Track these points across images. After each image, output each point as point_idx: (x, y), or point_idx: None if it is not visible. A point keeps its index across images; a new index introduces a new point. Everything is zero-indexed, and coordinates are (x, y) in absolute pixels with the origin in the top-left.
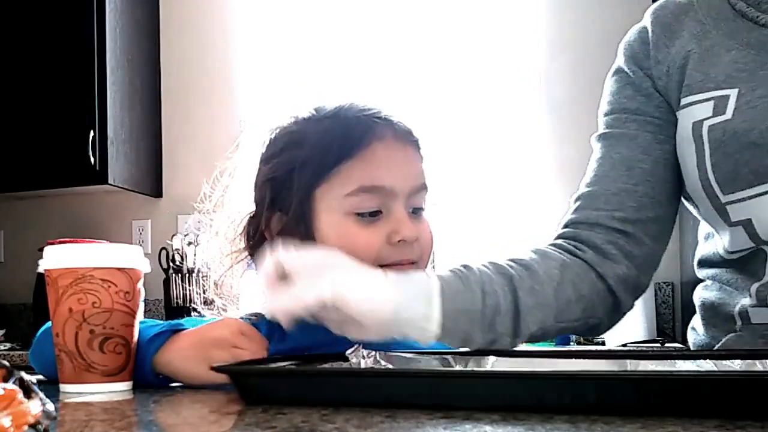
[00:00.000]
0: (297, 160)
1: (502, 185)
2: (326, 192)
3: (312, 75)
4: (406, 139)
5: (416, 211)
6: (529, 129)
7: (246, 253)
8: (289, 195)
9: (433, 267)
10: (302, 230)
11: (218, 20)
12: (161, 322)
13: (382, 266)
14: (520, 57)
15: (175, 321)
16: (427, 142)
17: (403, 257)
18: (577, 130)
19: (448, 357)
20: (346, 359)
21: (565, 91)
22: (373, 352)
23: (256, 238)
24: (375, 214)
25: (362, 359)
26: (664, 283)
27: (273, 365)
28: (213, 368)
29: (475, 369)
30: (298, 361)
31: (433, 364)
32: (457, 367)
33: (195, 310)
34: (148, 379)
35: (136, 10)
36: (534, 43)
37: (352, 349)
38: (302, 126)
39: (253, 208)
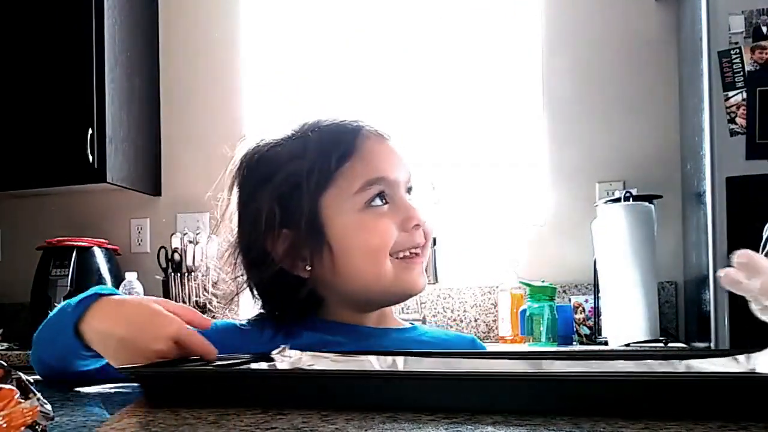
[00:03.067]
0: (301, 172)
1: (502, 184)
2: (335, 196)
3: (313, 73)
4: (385, 136)
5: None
6: (529, 129)
7: (247, 281)
8: (296, 209)
9: (434, 277)
10: (314, 241)
11: (218, 17)
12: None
13: (393, 254)
14: (520, 57)
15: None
16: (400, 142)
17: (416, 241)
18: (577, 130)
19: (372, 358)
20: (271, 360)
21: (565, 91)
22: (299, 353)
23: (260, 264)
24: (384, 203)
25: (287, 359)
26: (668, 282)
27: (179, 367)
28: (119, 369)
29: (385, 371)
30: (226, 362)
31: (359, 364)
32: (377, 368)
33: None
34: (70, 345)
35: (135, 7)
36: (534, 43)
37: (278, 349)
38: (293, 141)
39: (248, 235)
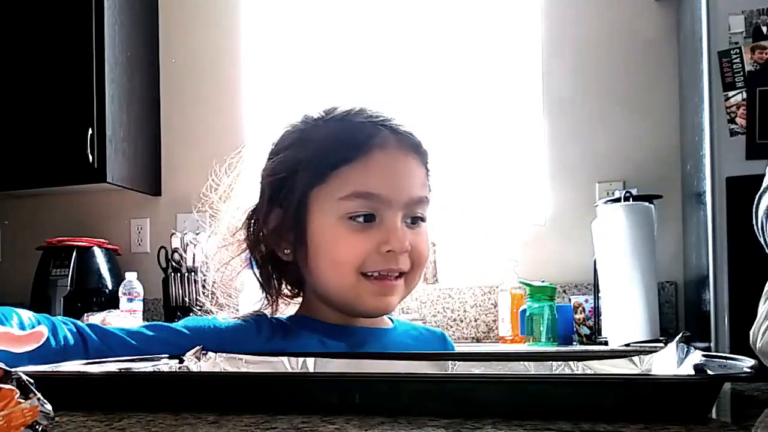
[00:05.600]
0: (300, 159)
1: (502, 184)
2: (323, 194)
3: (314, 73)
4: (411, 150)
5: (415, 221)
6: (529, 128)
7: (245, 245)
8: (289, 193)
9: (434, 277)
10: (296, 230)
11: (218, 17)
12: None
13: (364, 274)
14: (520, 57)
15: None
16: (436, 155)
17: (389, 266)
18: (577, 130)
19: (285, 359)
20: (182, 360)
21: (565, 91)
22: (213, 355)
23: (254, 232)
24: (369, 220)
25: (198, 361)
26: (668, 282)
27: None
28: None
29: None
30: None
31: (271, 366)
32: (289, 369)
33: (200, 308)
34: None
35: (135, 7)
36: (534, 43)
37: (193, 350)
38: (310, 126)
39: (256, 201)
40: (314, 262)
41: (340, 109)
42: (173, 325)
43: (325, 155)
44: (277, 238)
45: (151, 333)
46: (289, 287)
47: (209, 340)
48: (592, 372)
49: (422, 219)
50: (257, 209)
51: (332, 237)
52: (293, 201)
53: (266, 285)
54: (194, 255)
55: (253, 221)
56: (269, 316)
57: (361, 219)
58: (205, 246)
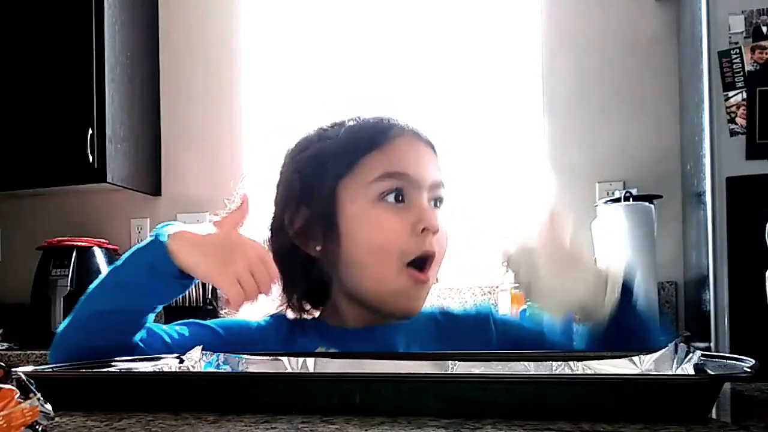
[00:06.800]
0: (327, 154)
1: (501, 184)
2: (351, 183)
3: (314, 73)
4: (424, 142)
5: (437, 204)
6: (529, 128)
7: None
8: (315, 188)
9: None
10: (325, 222)
11: (218, 17)
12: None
13: (408, 264)
14: (520, 57)
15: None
16: (440, 149)
17: (426, 248)
18: (577, 130)
19: (285, 359)
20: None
21: (565, 90)
22: (213, 354)
23: (277, 234)
24: (399, 200)
25: (197, 362)
26: (668, 282)
27: (80, 371)
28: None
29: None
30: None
31: (272, 366)
32: (289, 369)
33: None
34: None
35: (135, 7)
36: (534, 43)
37: (193, 350)
38: (333, 127)
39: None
40: (349, 254)
41: (350, 117)
42: (207, 322)
43: (350, 147)
44: (305, 237)
45: (186, 329)
46: (308, 295)
47: (239, 338)
48: (592, 372)
49: (442, 202)
50: (277, 216)
51: (368, 221)
52: (322, 195)
53: (288, 289)
54: None
55: (274, 225)
56: (289, 317)
57: (391, 198)
58: None
